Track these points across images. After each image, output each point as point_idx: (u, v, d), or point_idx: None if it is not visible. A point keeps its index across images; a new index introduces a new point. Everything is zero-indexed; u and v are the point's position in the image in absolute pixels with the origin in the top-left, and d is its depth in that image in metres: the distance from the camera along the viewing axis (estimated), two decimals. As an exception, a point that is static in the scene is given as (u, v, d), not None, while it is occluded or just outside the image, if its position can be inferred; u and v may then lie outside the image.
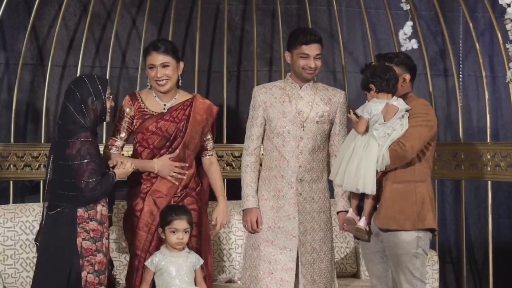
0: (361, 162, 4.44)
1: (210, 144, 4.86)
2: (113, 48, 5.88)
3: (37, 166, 5.69)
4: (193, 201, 4.75)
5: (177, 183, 4.70)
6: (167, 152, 4.71)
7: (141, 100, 4.76)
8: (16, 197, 5.76)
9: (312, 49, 4.64)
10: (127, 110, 4.76)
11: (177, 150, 4.70)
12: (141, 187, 4.71)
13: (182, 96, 4.81)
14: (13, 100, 5.68)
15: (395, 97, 4.54)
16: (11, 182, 5.69)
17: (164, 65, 4.69)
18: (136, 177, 4.70)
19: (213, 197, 4.90)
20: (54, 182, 4.41)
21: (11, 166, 5.66)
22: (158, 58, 4.68)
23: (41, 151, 5.71)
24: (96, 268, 4.38)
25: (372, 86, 4.51)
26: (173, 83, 4.73)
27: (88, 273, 4.36)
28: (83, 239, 4.37)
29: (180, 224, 4.50)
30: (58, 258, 4.37)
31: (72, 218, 4.37)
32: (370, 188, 4.45)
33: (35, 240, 4.63)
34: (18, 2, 5.79)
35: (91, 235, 4.38)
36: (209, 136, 4.84)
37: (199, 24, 6.07)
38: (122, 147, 4.79)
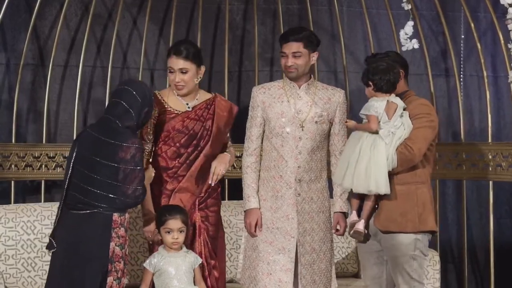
0: (370, 163, 4.42)
1: (228, 142, 4.87)
2: (114, 48, 5.89)
3: (38, 166, 5.70)
4: (215, 202, 4.76)
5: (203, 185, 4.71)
6: (196, 152, 4.69)
7: (163, 100, 4.72)
8: (17, 197, 5.77)
9: (288, 47, 4.62)
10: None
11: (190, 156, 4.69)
12: (167, 185, 4.68)
13: (203, 95, 4.80)
14: (14, 100, 5.68)
15: (393, 95, 4.53)
16: (12, 182, 5.69)
17: (183, 71, 4.65)
18: (157, 176, 4.67)
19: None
20: (90, 180, 4.30)
21: (12, 166, 5.67)
22: (177, 63, 4.65)
23: (42, 151, 5.72)
24: (118, 275, 4.34)
25: (371, 83, 4.52)
26: (191, 87, 4.70)
27: (114, 279, 4.32)
28: (115, 245, 4.32)
29: (175, 224, 4.49)
30: (88, 260, 4.28)
31: (107, 222, 4.30)
32: (383, 188, 4.43)
33: (50, 235, 4.46)
34: (19, 2, 5.79)
35: (120, 241, 4.34)
36: (228, 134, 4.86)
37: (200, 24, 6.07)
38: (152, 150, 4.74)
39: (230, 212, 5.55)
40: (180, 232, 4.52)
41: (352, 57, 6.26)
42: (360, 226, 4.52)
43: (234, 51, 6.25)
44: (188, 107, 4.73)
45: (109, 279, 4.31)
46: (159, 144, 4.72)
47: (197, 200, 4.70)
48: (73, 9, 5.95)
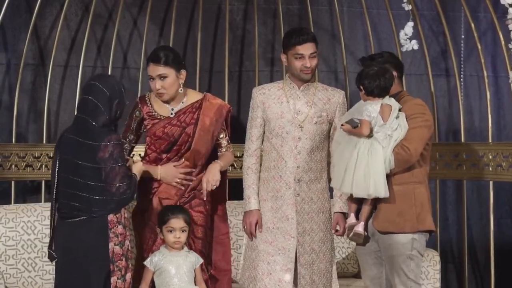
0: (368, 167, 4.41)
1: (224, 142, 4.79)
2: (115, 48, 5.89)
3: (38, 166, 5.70)
4: (201, 203, 4.71)
5: (183, 188, 4.69)
6: (176, 157, 4.68)
7: (150, 104, 4.72)
8: (18, 197, 5.77)
9: (306, 48, 4.61)
10: (137, 113, 4.73)
11: (183, 159, 4.67)
12: (149, 187, 4.68)
13: (191, 97, 4.76)
14: (15, 100, 5.69)
15: (387, 97, 4.52)
16: (12, 182, 5.70)
17: (162, 77, 4.62)
18: (145, 177, 4.66)
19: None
20: (75, 184, 4.28)
21: (13, 166, 5.67)
22: (155, 70, 4.62)
23: (43, 151, 5.72)
24: (123, 272, 4.34)
25: (361, 88, 4.52)
26: (172, 93, 4.67)
27: (118, 278, 4.31)
28: (115, 244, 4.31)
29: (177, 223, 4.50)
30: (89, 265, 4.28)
31: (103, 224, 4.28)
32: (382, 191, 4.42)
33: (49, 247, 4.44)
34: (19, 2, 5.79)
35: (119, 239, 4.33)
36: (222, 135, 4.78)
37: (200, 24, 6.07)
38: (130, 150, 4.76)
39: (230, 212, 5.53)
40: (182, 231, 4.52)
41: (352, 57, 6.26)
42: (360, 228, 4.51)
43: (235, 51, 6.25)
44: (172, 113, 4.70)
45: (113, 279, 4.30)
46: (146, 147, 4.75)
47: (178, 203, 4.66)
48: (73, 9, 5.95)
